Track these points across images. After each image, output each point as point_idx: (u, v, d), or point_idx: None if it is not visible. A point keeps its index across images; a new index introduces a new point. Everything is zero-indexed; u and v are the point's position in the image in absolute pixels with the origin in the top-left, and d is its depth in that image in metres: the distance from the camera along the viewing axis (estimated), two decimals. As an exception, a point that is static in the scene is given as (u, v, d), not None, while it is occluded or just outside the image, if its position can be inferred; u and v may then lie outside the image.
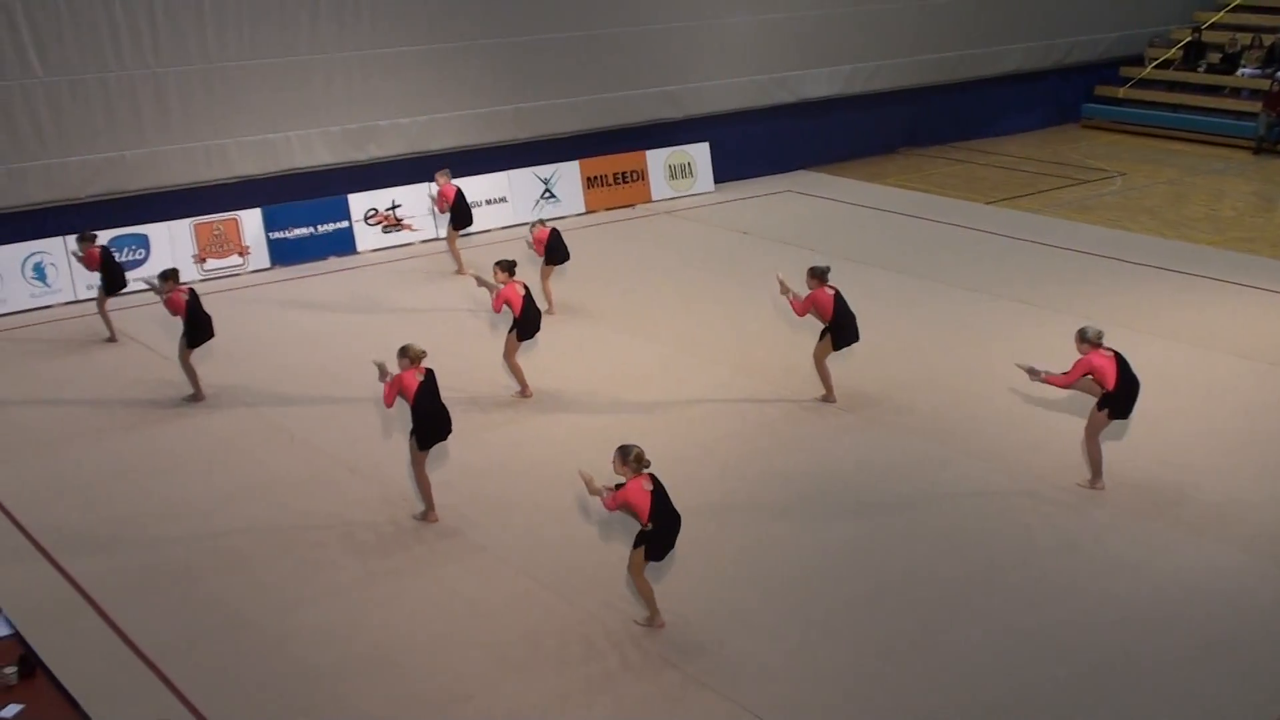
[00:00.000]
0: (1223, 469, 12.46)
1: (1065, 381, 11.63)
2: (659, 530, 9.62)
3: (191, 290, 14.49)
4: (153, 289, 14.73)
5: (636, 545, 9.71)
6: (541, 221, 17.35)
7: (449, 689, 9.33)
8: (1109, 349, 11.58)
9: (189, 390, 14.68)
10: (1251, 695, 9.10)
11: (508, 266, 14.25)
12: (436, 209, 20.07)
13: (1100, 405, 11.67)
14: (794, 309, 13.78)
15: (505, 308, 14.13)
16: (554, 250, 17.00)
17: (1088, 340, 11.55)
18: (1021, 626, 9.93)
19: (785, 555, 11.14)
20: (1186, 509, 11.71)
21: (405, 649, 9.84)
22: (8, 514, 12.18)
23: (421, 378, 11.40)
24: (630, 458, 9.55)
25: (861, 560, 11.02)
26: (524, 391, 14.51)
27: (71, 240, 17.96)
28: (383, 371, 11.56)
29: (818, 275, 13.64)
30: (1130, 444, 12.74)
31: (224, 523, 11.92)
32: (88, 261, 16.51)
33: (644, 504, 9.52)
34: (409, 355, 11.43)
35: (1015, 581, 10.61)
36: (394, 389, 11.43)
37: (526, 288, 14.25)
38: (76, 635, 10.13)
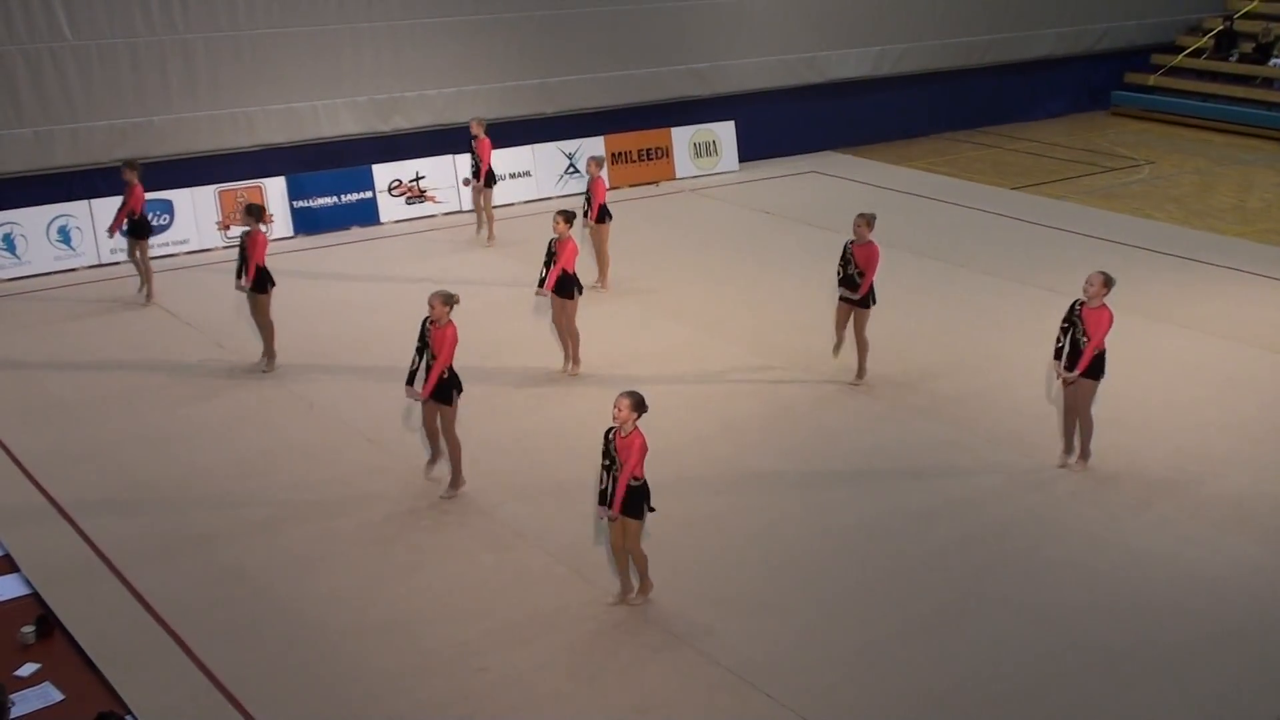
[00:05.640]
0: (1243, 460, 12.40)
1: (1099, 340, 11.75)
2: (643, 482, 9.63)
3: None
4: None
5: (634, 515, 9.64)
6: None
7: (465, 660, 9.36)
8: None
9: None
10: (1265, 685, 9.08)
11: (569, 218, 14.02)
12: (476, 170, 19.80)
13: (1094, 374, 11.73)
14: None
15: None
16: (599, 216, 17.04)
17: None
18: (1036, 611, 9.92)
19: (798, 535, 11.14)
20: (1205, 499, 11.67)
21: (422, 619, 9.89)
22: (28, 475, 12.26)
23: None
24: (646, 406, 9.46)
25: (875, 542, 11.01)
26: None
27: (97, 204, 18.14)
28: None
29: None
30: (1150, 433, 12.69)
31: (243, 489, 11.98)
32: (133, 199, 16.39)
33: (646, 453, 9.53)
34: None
35: (1030, 566, 10.60)
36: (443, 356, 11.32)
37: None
38: (94, 597, 10.20)
